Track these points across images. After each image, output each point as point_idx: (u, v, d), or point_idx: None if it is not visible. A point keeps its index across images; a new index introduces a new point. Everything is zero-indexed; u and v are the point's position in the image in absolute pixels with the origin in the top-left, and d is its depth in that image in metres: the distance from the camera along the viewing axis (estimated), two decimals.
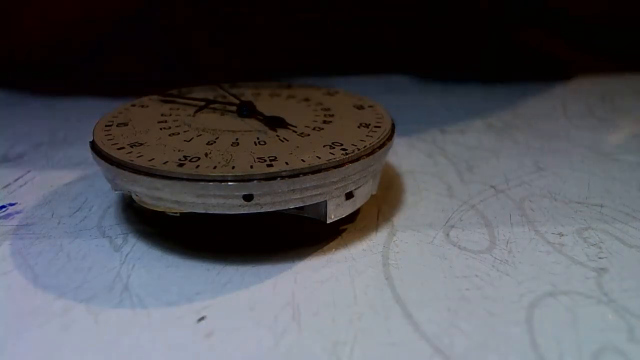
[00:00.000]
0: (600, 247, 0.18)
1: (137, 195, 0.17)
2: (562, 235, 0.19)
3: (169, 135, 0.19)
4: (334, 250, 0.18)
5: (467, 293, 0.16)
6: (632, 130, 0.29)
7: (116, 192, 0.19)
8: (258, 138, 0.18)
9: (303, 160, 0.17)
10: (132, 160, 0.17)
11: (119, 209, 0.20)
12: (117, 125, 0.20)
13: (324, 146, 0.18)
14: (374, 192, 0.19)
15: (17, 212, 0.20)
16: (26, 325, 0.14)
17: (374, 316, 0.15)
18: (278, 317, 0.15)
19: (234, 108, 0.21)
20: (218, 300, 0.15)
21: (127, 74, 0.37)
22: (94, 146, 0.18)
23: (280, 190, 0.16)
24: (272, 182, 0.16)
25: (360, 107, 0.21)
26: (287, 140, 0.18)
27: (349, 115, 0.20)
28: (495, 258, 0.17)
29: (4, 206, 0.21)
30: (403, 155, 0.26)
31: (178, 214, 0.17)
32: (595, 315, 0.15)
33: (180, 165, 0.16)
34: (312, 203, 0.17)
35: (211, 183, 0.16)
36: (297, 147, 0.18)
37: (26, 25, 0.37)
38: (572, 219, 0.20)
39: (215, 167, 0.16)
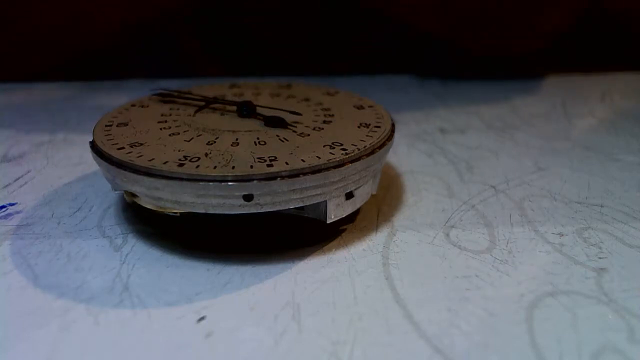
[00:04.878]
0: (600, 247, 0.18)
1: (137, 195, 0.17)
2: (562, 235, 0.19)
3: (169, 135, 0.19)
4: (334, 250, 0.18)
5: (467, 293, 0.16)
6: (632, 130, 0.29)
7: (116, 192, 0.19)
8: (258, 138, 0.18)
9: (303, 160, 0.17)
10: (132, 160, 0.17)
11: (119, 209, 0.20)
12: (117, 125, 0.20)
13: (324, 146, 0.18)
14: (374, 192, 0.19)
15: (17, 212, 0.20)
16: (26, 325, 0.14)
17: (374, 316, 0.15)
18: (278, 317, 0.15)
19: (234, 108, 0.21)
20: (218, 300, 0.15)
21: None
22: (94, 146, 0.18)
23: (280, 190, 0.16)
24: (272, 182, 0.16)
25: (360, 107, 0.21)
26: (287, 140, 0.18)
27: (349, 115, 0.20)
28: (495, 258, 0.17)
29: (4, 206, 0.21)
30: (403, 155, 0.26)
31: (178, 214, 0.17)
32: (595, 315, 0.15)
33: (180, 165, 0.16)
34: (312, 203, 0.17)
35: (211, 183, 0.16)
36: (297, 147, 0.18)
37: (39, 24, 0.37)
38: (572, 219, 0.20)
39: (215, 167, 0.16)
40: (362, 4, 0.38)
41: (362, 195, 0.18)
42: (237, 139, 0.18)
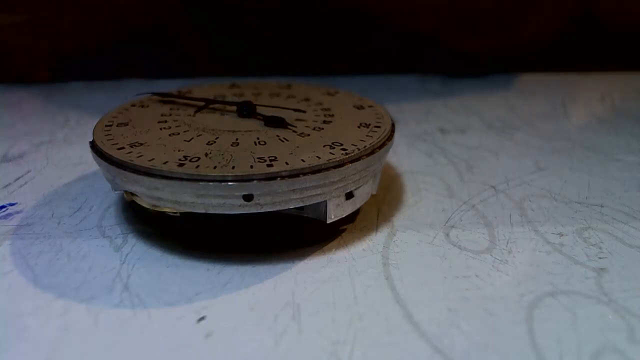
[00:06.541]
0: (600, 247, 0.18)
1: (137, 195, 0.17)
2: (562, 235, 0.19)
3: (169, 135, 0.19)
4: (334, 250, 0.18)
5: (467, 293, 0.16)
6: (632, 130, 0.29)
7: (116, 192, 0.19)
8: (258, 138, 0.18)
9: (303, 160, 0.17)
10: (132, 160, 0.17)
11: (119, 209, 0.20)
12: (117, 125, 0.20)
13: (324, 146, 0.18)
14: (374, 192, 0.19)
15: (17, 212, 0.20)
16: (26, 325, 0.14)
17: (374, 316, 0.15)
18: (278, 317, 0.15)
19: (234, 108, 0.21)
20: (218, 300, 0.15)
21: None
22: (94, 146, 0.18)
23: (280, 190, 0.16)
24: (272, 182, 0.16)
25: (360, 107, 0.21)
26: (287, 140, 0.18)
27: (349, 115, 0.20)
28: (495, 258, 0.17)
29: (4, 206, 0.21)
30: (403, 155, 0.26)
31: (178, 214, 0.17)
32: (595, 315, 0.15)
33: (180, 165, 0.16)
34: (312, 203, 0.17)
35: (211, 183, 0.16)
36: (297, 147, 0.18)
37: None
38: (572, 219, 0.20)
39: (215, 167, 0.16)
40: (362, 3, 0.38)
41: (362, 195, 0.18)
42: (237, 139, 0.18)
